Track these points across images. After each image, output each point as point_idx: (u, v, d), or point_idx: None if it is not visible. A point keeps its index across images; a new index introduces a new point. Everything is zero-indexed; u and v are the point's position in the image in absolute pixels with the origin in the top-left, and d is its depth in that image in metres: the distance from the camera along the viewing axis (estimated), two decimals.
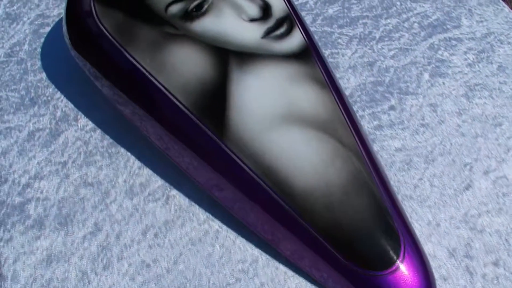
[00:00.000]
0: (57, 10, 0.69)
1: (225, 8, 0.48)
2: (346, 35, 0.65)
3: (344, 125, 0.45)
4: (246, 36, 0.47)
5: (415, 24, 0.66)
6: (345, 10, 0.68)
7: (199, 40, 0.46)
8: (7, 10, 0.70)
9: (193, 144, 0.45)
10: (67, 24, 0.52)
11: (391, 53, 0.63)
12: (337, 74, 0.60)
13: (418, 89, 0.59)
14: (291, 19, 0.50)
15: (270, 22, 0.49)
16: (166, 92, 0.45)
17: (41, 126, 0.57)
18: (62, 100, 0.59)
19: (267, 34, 0.48)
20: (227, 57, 0.46)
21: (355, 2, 0.69)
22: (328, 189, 0.41)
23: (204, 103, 0.44)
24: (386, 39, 0.64)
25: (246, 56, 0.46)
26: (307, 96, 0.45)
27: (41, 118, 0.57)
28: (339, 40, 0.64)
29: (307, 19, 0.67)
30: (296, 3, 0.69)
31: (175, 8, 0.48)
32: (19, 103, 0.59)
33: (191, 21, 0.47)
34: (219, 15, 0.47)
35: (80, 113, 0.58)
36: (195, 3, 0.48)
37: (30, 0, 0.71)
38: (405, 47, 0.64)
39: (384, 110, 0.57)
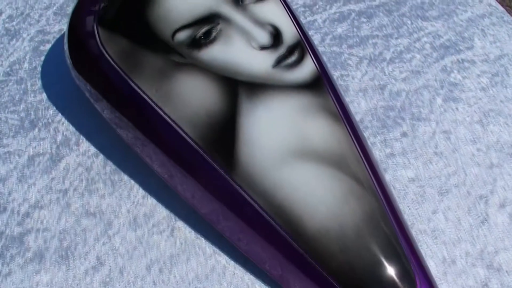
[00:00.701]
0: (58, 26, 0.67)
1: (234, 35, 0.46)
2: (356, 55, 0.63)
3: (357, 160, 0.43)
4: (257, 65, 0.45)
5: (427, 44, 0.64)
6: (355, 29, 0.66)
7: (207, 70, 0.44)
8: (6, 25, 0.68)
9: (200, 178, 0.43)
10: (69, 45, 0.51)
11: (403, 75, 0.61)
12: (347, 98, 0.59)
13: (431, 115, 0.57)
14: (302, 46, 0.48)
15: (281, 50, 0.47)
16: (173, 124, 0.43)
17: (41, 151, 0.55)
18: (63, 123, 0.57)
19: (278, 63, 0.46)
20: (237, 88, 0.44)
21: (364, 20, 0.67)
22: (342, 230, 0.40)
23: (213, 136, 0.43)
24: (397, 60, 0.63)
25: (257, 87, 0.44)
26: (319, 130, 0.43)
27: (41, 142, 0.56)
28: (349, 61, 0.63)
29: (316, 38, 0.65)
30: (304, 21, 0.67)
31: (182, 35, 0.46)
32: (18, 125, 0.57)
33: (199, 49, 0.45)
34: (228, 43, 0.45)
35: (81, 137, 0.56)
36: (203, 30, 0.46)
37: (30, 15, 0.69)
38: (416, 69, 0.62)
39: (396, 137, 0.55)
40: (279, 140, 0.42)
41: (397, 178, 0.52)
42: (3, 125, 0.57)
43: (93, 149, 0.55)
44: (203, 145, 0.42)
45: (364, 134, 0.55)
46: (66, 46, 0.51)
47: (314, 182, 0.41)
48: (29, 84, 0.61)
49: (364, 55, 0.63)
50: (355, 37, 0.65)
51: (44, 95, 0.60)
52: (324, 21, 0.67)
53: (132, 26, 0.47)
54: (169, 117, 0.43)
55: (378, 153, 0.54)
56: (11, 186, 0.52)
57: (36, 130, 0.57)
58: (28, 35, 0.66)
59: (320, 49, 0.64)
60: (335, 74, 0.61)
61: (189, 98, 0.44)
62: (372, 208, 0.41)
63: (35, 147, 0.55)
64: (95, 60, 0.47)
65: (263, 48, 0.46)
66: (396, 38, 0.65)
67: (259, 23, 0.47)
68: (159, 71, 0.45)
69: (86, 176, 0.53)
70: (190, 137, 0.43)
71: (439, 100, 0.58)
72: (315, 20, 0.67)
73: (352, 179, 0.42)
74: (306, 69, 0.47)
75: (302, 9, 0.69)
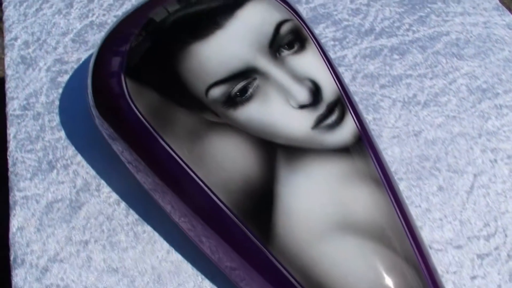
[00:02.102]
0: (76, 55, 0.64)
1: (272, 92, 0.43)
2: (389, 97, 0.60)
3: (400, 233, 0.41)
4: (296, 126, 0.42)
5: (463, 86, 0.61)
6: (387, 67, 0.63)
7: (243, 131, 0.42)
8: (21, 52, 0.65)
9: (233, 247, 0.41)
10: (93, 93, 0.48)
11: (438, 121, 0.58)
12: (381, 145, 0.56)
13: (468, 167, 0.55)
14: (343, 103, 0.45)
15: (321, 109, 0.44)
16: (206, 188, 0.41)
17: (60, 196, 0.52)
18: (82, 165, 0.55)
19: (318, 123, 0.43)
20: (275, 152, 0.41)
21: (397, 57, 0.64)
22: None
23: (249, 204, 0.40)
24: (432, 104, 0.60)
25: (295, 151, 0.41)
26: (361, 199, 0.41)
27: (60, 187, 0.53)
28: (381, 103, 0.60)
29: (346, 76, 0.62)
30: (333, 56, 0.64)
31: (216, 92, 0.42)
32: (36, 167, 0.54)
33: (235, 107, 0.42)
34: (265, 101, 0.42)
35: (102, 181, 0.54)
36: (239, 86, 0.43)
37: (47, 41, 0.66)
38: (452, 114, 0.59)
39: (432, 190, 0.53)
40: (318, 211, 0.40)
41: (434, 237, 0.50)
42: (20, 166, 0.54)
43: (114, 196, 0.52)
44: (238, 213, 0.40)
45: (400, 186, 0.52)
46: (89, 91, 0.48)
47: (355, 257, 0.39)
48: (46, 119, 0.58)
49: (397, 97, 0.60)
50: (387, 76, 0.62)
51: (63, 133, 0.57)
52: (355, 57, 0.64)
53: (163, 78, 0.44)
54: (202, 181, 0.41)
55: (414, 209, 0.51)
56: (29, 236, 0.50)
57: (55, 172, 0.54)
58: (45, 64, 0.63)
59: (351, 88, 0.61)
60: (367, 117, 0.58)
61: (224, 161, 0.41)
62: (416, 286, 0.39)
63: (53, 191, 0.53)
64: (122, 112, 0.44)
65: (302, 106, 0.43)
66: (431, 79, 0.62)
67: (298, 78, 0.44)
68: (192, 130, 0.42)
69: (107, 226, 0.50)
70: (224, 204, 0.40)
71: (477, 151, 0.56)
72: (345, 56, 0.64)
73: (395, 254, 0.39)
74: (347, 130, 0.44)
75: (332, 42, 0.66)
